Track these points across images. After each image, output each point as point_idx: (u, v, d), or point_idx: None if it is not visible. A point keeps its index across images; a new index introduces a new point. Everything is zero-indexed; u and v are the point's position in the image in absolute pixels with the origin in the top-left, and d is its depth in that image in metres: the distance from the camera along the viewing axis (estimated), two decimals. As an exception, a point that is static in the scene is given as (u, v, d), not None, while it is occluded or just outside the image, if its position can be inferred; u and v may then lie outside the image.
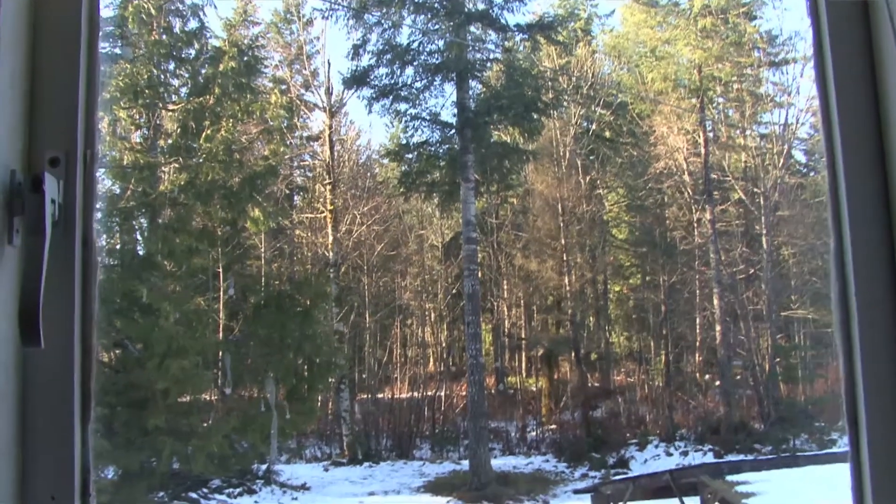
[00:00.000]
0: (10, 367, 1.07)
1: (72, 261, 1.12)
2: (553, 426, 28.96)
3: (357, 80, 25.39)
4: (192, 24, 20.98)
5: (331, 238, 27.57)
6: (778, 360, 27.98)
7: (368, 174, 35.28)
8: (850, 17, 1.25)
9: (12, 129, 1.09)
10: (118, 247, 18.62)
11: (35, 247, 1.06)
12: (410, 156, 27.11)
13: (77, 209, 1.13)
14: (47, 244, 1.05)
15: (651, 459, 25.30)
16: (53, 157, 1.12)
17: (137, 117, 19.68)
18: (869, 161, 1.23)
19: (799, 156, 34.85)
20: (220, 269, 20.18)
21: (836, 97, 1.25)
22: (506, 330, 35.82)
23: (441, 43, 25.34)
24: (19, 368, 1.09)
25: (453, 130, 25.63)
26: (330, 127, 29.11)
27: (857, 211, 1.23)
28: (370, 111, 27.83)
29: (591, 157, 32.10)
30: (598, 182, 32.84)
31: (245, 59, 20.47)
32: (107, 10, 18.29)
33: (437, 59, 25.30)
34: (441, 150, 26.65)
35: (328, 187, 28.33)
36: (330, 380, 23.60)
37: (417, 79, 25.60)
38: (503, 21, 25.54)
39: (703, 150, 29.33)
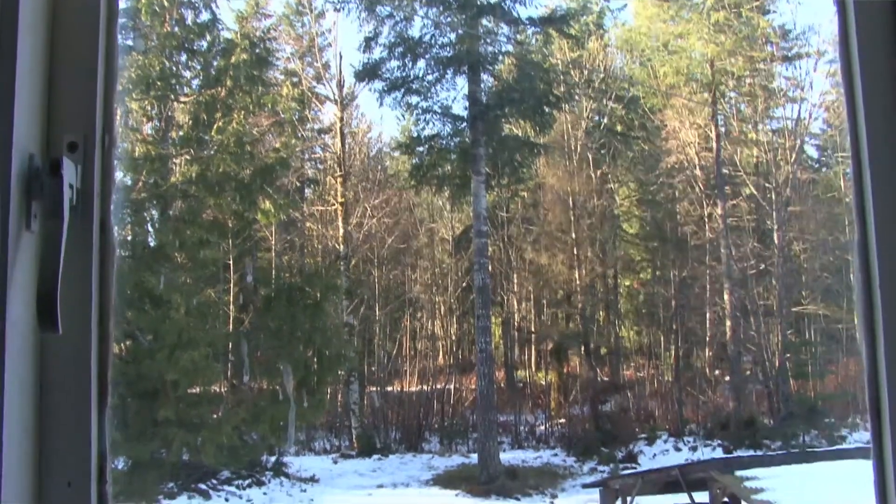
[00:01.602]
0: (27, 353, 1.06)
1: (89, 246, 1.11)
2: (562, 420, 28.98)
3: (368, 72, 25.40)
4: (204, 16, 20.99)
5: (341, 231, 27.61)
6: (788, 355, 27.92)
7: (379, 167, 35.30)
8: (877, 9, 1.23)
9: (31, 113, 1.08)
10: (129, 238, 18.65)
11: (53, 232, 1.05)
12: (421, 149, 27.10)
13: (95, 194, 1.12)
14: (65, 229, 1.05)
15: (660, 454, 25.29)
16: (72, 141, 1.11)
17: (149, 109, 19.71)
18: (894, 150, 1.21)
19: (811, 151, 34.83)
20: (231, 261, 20.23)
21: (863, 88, 1.24)
22: (516, 324, 35.82)
23: (453, 36, 25.33)
24: (37, 354, 1.08)
25: (465, 123, 25.61)
26: (341, 119, 29.14)
27: (883, 203, 1.21)
28: (381, 104, 27.92)
29: (602, 151, 32.05)
30: (610, 176, 32.80)
31: (257, 51, 20.49)
32: (120, 2, 18.29)
33: (449, 51, 25.29)
34: (452, 144, 26.63)
35: (339, 180, 28.37)
36: (339, 372, 23.63)
37: (429, 71, 25.61)
38: (515, 14, 25.53)
39: (714, 145, 29.26)
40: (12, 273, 1.01)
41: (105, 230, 1.13)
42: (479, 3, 24.78)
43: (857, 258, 1.25)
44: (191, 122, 19.19)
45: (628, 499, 16.52)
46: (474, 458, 24.25)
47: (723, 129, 30.64)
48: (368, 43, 25.30)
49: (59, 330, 1.02)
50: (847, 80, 1.28)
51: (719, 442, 25.55)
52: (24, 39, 1.06)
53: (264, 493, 20.50)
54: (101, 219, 1.13)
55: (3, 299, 1.00)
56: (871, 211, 1.22)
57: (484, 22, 25.58)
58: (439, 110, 26.18)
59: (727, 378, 29.27)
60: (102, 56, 1.15)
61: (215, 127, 18.65)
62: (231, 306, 20.29)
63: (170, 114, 19.84)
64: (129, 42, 19.50)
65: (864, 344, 1.24)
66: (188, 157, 18.83)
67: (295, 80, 28.80)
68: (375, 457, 25.07)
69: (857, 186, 1.26)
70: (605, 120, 32.51)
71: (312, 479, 21.97)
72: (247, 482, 20.60)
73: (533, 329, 35.06)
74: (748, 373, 29.00)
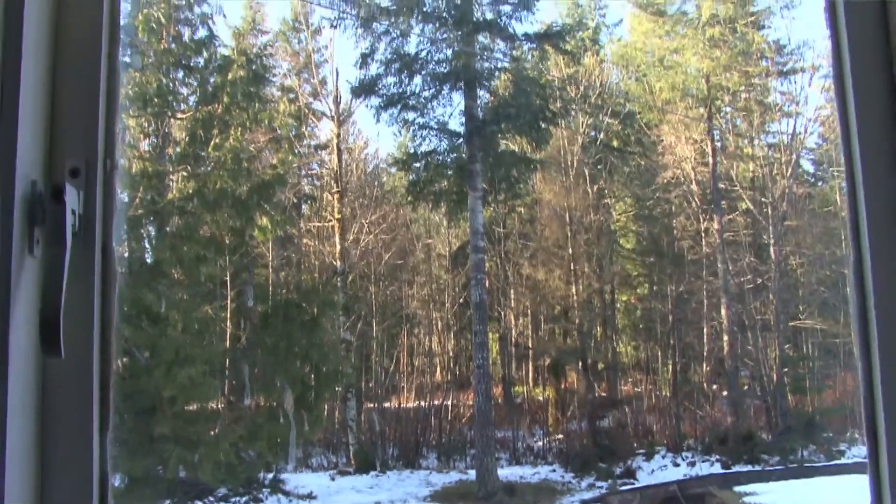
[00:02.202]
0: (30, 376, 1.07)
1: (91, 270, 1.12)
2: (560, 436, 28.88)
3: (365, 88, 25.44)
4: (201, 33, 20.99)
5: (338, 247, 27.59)
6: (786, 370, 27.89)
7: (376, 183, 35.27)
8: (868, 23, 1.25)
9: (33, 139, 1.09)
10: (126, 255, 18.62)
11: (55, 257, 1.06)
12: (418, 165, 27.12)
13: (97, 219, 1.14)
14: (68, 255, 1.06)
15: (658, 470, 25.20)
16: (74, 167, 1.12)
17: (146, 126, 19.71)
18: (888, 168, 1.22)
19: (807, 165, 34.87)
20: (228, 278, 20.20)
21: (855, 103, 1.25)
22: (513, 339, 35.77)
23: (449, 52, 25.39)
24: (39, 377, 1.09)
25: (461, 139, 25.64)
26: (338, 136, 29.14)
27: (876, 220, 1.22)
28: (378, 120, 27.90)
29: (598, 167, 32.07)
30: (606, 191, 32.82)
31: (253, 67, 20.52)
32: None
33: (445, 67, 25.35)
34: (449, 159, 26.65)
35: (336, 196, 28.36)
36: (337, 389, 23.58)
37: (425, 88, 25.65)
38: (511, 30, 25.59)
39: (710, 160, 29.31)
40: (15, 298, 1.02)
41: (107, 255, 1.14)
42: (475, 19, 24.86)
43: (853, 274, 1.26)
44: (188, 138, 19.19)
45: (627, 514, 16.50)
46: (472, 474, 24.17)
47: (719, 144, 30.71)
48: (365, 59, 25.35)
49: (62, 355, 1.03)
50: (840, 96, 1.29)
51: (717, 457, 25.46)
52: (26, 66, 1.07)
53: (261, 511, 20.44)
54: (102, 243, 1.14)
55: (6, 324, 1.00)
56: (866, 226, 1.23)
57: (480, 38, 25.65)
58: (436, 126, 26.22)
59: (725, 393, 29.21)
60: (104, 83, 1.16)
61: (212, 143, 18.68)
62: (228, 323, 20.25)
63: (167, 130, 19.85)
64: (126, 59, 19.51)
65: (859, 359, 1.25)
66: (185, 174, 18.84)
67: (292, 96, 28.87)
68: (373, 473, 24.97)
69: (851, 202, 1.27)
70: (602, 135, 32.55)
71: (310, 496, 21.88)
72: (244, 500, 20.52)
73: (530, 345, 35.00)
74: (746, 387, 28.97)
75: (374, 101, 25.60)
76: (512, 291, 34.59)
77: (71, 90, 1.15)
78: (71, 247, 1.07)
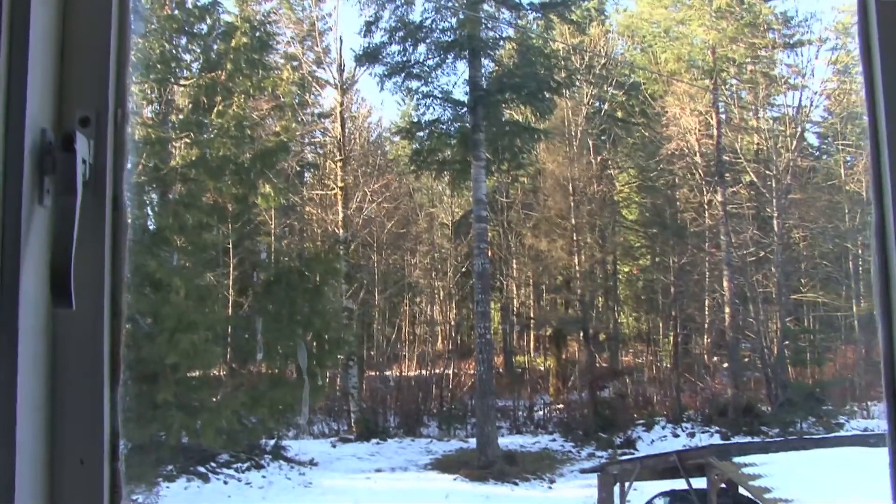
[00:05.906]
0: (40, 329, 1.05)
1: (102, 221, 1.10)
2: (560, 406, 29.04)
3: (369, 56, 25.34)
4: (205, -1, 20.87)
5: (341, 215, 27.58)
6: (787, 342, 27.96)
7: (379, 152, 35.26)
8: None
9: (43, 87, 1.07)
10: (129, 221, 18.54)
11: (66, 207, 1.04)
12: (422, 133, 27.07)
13: (107, 169, 1.11)
14: (78, 204, 1.04)
15: (658, 440, 25.36)
16: (84, 116, 1.10)
17: (149, 92, 19.62)
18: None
19: (812, 139, 34.78)
20: (231, 245, 20.21)
21: (882, 68, 1.22)
22: (515, 309, 35.87)
23: (454, 20, 25.27)
24: (49, 330, 1.07)
25: (465, 108, 25.56)
26: (341, 104, 29.06)
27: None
28: (382, 88, 27.84)
29: (602, 137, 32.01)
30: (610, 162, 32.79)
31: (257, 34, 20.41)
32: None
33: (450, 36, 25.23)
34: (452, 129, 26.58)
35: (339, 164, 28.32)
36: (339, 357, 23.64)
37: (430, 56, 25.56)
38: (517, -1, 25.44)
39: (715, 132, 29.22)
40: (25, 249, 1.00)
41: (117, 206, 1.12)
42: (480, -13, 24.73)
43: (875, 239, 1.24)
44: (191, 105, 19.12)
45: (626, 484, 16.57)
46: (473, 442, 24.31)
47: (723, 116, 30.62)
48: (369, 27, 25.24)
49: (72, 305, 1.01)
50: (866, 61, 1.27)
51: (717, 428, 25.62)
52: (36, 14, 1.04)
53: (263, 477, 20.56)
54: (113, 194, 1.12)
55: (17, 275, 0.99)
56: (889, 192, 1.21)
57: (485, 6, 25.51)
58: (440, 95, 26.16)
59: (725, 365, 29.33)
60: (115, 31, 1.14)
61: (215, 110, 18.58)
62: (231, 290, 20.26)
63: (170, 97, 19.77)
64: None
65: (880, 325, 1.23)
66: (188, 141, 18.77)
67: (295, 63, 28.70)
68: (374, 441, 25.13)
69: (875, 167, 1.25)
70: (606, 106, 32.46)
71: (311, 463, 22.03)
72: (245, 465, 20.66)
73: (532, 314, 35.11)
74: (746, 360, 29.07)
75: (378, 69, 25.55)
76: (514, 261, 34.65)
77: (81, 38, 1.12)
78: (81, 196, 1.05)
